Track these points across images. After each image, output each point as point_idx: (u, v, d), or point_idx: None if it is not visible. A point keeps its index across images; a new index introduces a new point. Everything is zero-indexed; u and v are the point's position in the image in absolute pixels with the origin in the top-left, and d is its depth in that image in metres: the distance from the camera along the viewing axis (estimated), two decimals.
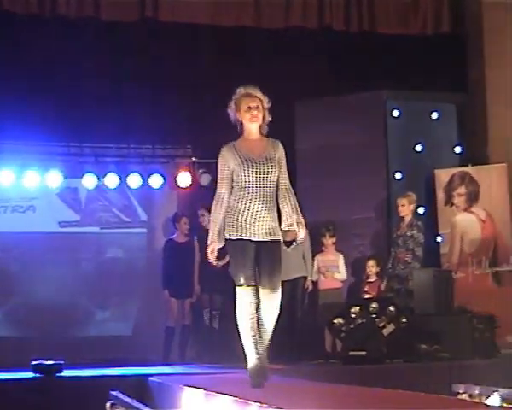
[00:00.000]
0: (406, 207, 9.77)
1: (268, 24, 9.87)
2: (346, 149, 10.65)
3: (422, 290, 9.12)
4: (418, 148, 10.77)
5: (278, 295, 6.00)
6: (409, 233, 9.67)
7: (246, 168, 6.05)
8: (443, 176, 10.57)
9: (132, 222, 11.86)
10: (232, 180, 6.12)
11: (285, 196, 6.14)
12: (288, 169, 6.06)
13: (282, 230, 6.09)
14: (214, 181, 11.43)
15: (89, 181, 11.24)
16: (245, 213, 6.03)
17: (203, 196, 10.66)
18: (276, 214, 6.09)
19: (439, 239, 10.52)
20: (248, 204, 6.02)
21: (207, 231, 6.00)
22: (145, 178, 11.43)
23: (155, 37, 10.67)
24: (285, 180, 6.18)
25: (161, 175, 11.48)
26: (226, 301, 9.42)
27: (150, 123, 10.85)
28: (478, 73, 10.55)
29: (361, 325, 8.79)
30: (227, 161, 6.09)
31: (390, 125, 10.78)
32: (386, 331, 8.68)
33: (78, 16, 10.06)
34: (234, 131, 6.07)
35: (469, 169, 10.49)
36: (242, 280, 5.90)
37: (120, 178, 11.35)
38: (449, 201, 10.51)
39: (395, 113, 10.74)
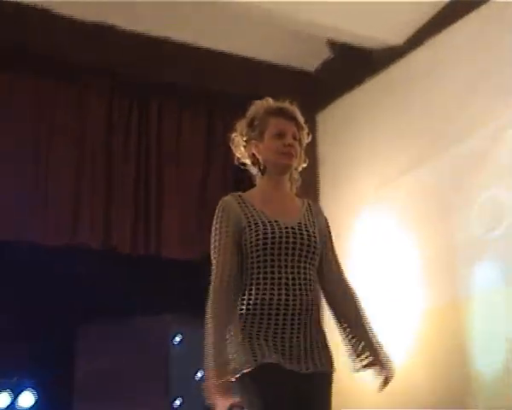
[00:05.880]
0: None
1: (54, 241, 9.55)
2: (128, 372, 10.60)
3: None
4: (199, 374, 10.74)
5: None
6: None
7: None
8: None
9: None
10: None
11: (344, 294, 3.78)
12: None
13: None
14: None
15: None
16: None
17: None
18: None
19: None
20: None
21: None
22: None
23: None
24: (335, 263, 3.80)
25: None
26: None
27: None
28: None
29: None
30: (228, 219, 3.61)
31: (172, 349, 10.83)
32: None
33: None
34: None
35: None
36: None
37: None
38: None
39: (177, 338, 10.84)
